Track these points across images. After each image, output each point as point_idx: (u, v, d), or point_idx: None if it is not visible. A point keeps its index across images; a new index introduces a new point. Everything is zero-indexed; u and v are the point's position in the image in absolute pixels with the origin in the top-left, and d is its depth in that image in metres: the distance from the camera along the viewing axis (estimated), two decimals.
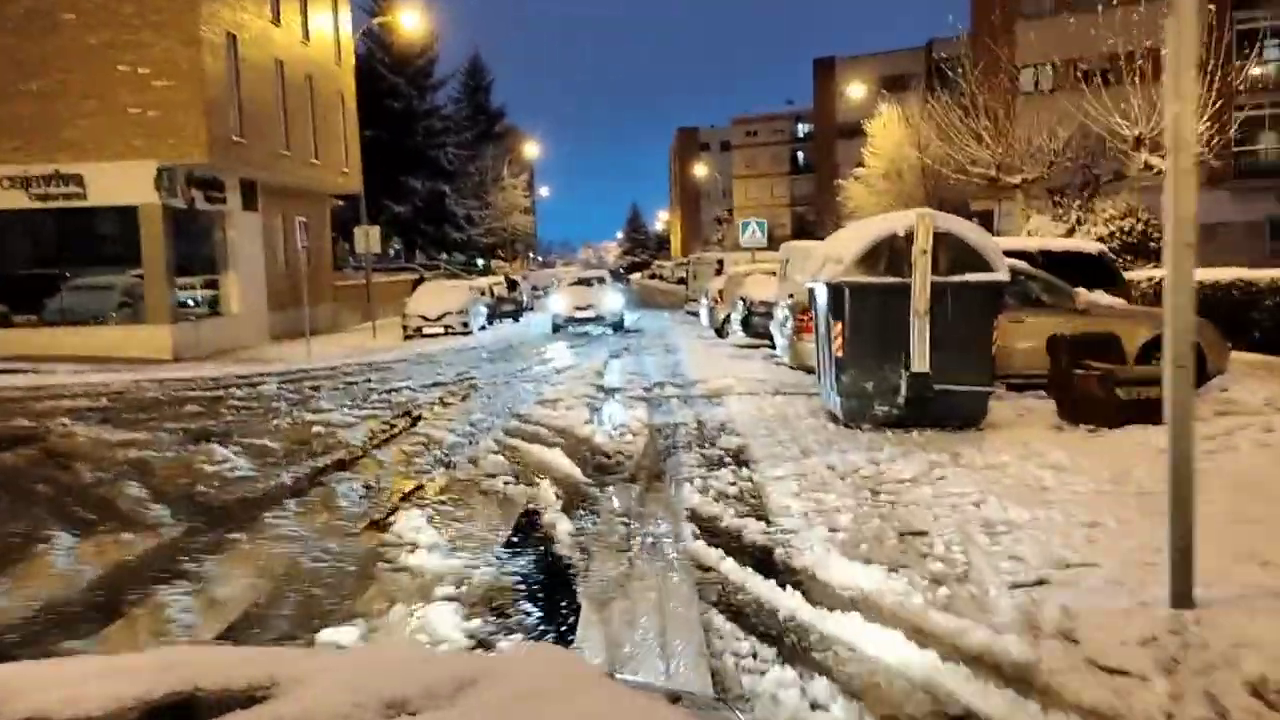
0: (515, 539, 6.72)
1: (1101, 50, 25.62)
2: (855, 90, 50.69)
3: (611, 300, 27.48)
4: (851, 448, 9.24)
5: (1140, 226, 22.31)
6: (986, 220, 37.79)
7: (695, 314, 29.96)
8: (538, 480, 8.33)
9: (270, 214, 27.96)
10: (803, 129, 79.66)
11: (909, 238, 10.14)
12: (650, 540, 6.53)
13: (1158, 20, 24.32)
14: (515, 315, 35.01)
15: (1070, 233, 23.93)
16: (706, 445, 9.76)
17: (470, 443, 10.37)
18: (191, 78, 22.17)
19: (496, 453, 9.66)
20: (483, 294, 31.56)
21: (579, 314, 26.92)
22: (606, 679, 1.56)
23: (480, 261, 63.59)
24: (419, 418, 12.33)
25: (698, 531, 6.59)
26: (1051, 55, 35.11)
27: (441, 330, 27.34)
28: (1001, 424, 10.38)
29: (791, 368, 15.54)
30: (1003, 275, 10.29)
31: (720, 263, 28.54)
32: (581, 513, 7.30)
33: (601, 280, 29.73)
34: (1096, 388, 10.29)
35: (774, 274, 22.73)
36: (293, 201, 29.70)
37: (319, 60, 30.13)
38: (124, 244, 22.94)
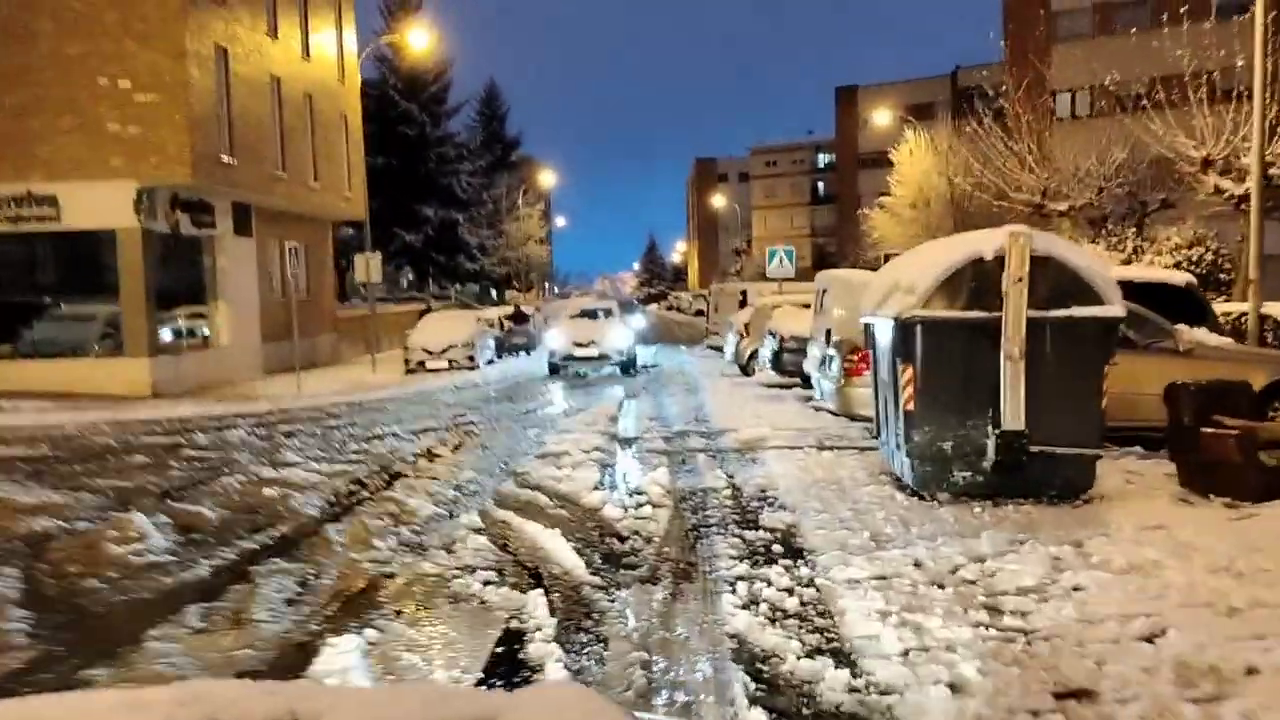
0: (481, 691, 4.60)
1: (1152, 72, 23.71)
2: (881, 117, 48.80)
3: (619, 335, 23.11)
4: (937, 531, 7.09)
5: (1210, 256, 20.14)
6: None
7: (717, 348, 27.90)
8: (527, 580, 6.23)
9: (266, 240, 26.10)
10: (824, 159, 77.72)
11: (999, 262, 8.04)
12: (682, 700, 4.39)
13: (1223, 36, 22.40)
14: (526, 349, 33.01)
15: (1126, 263, 21.83)
16: (746, 524, 7.62)
17: (450, 515, 8.27)
18: (176, 92, 20.36)
19: (481, 531, 7.55)
20: (491, 325, 29.60)
21: (580, 352, 22.60)
22: (625, 714, 1.59)
23: (494, 292, 61.83)
24: (397, 475, 10.25)
25: (751, 685, 4.45)
26: (1092, 78, 33.03)
27: (445, 365, 25.33)
28: (1112, 494, 8.22)
29: (833, 413, 13.43)
30: (1117, 310, 8.15)
31: (744, 294, 26.51)
32: (582, 640, 5.17)
33: (609, 312, 25.10)
34: (1234, 451, 8.12)
35: (806, 306, 20.66)
36: (291, 227, 27.84)
37: (320, 78, 28.39)
38: (102, 271, 21.08)
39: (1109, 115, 30.36)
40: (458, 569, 6.52)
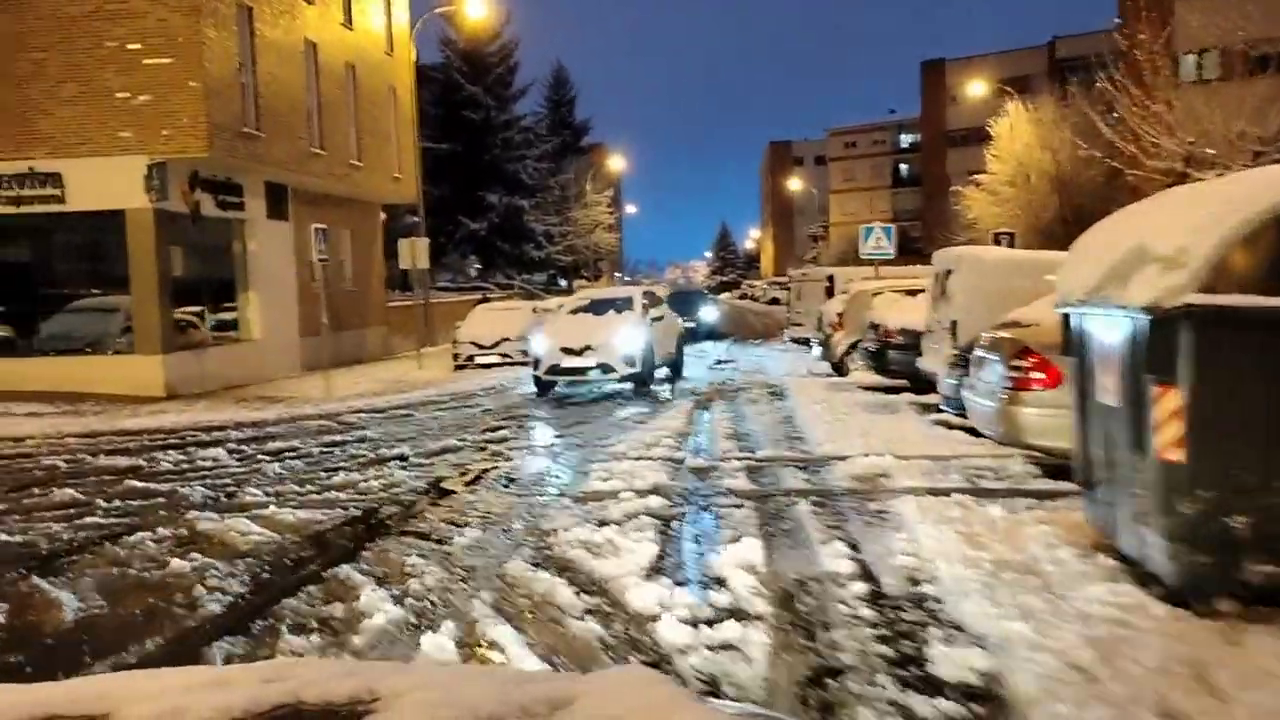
0: None
1: None
2: (975, 89, 44.53)
3: (627, 338, 16.08)
4: (1270, 699, 3.73)
5: None
6: None
7: (800, 341, 24.44)
8: None
9: (305, 224, 23.24)
10: (907, 139, 73.08)
11: None
12: None
13: None
14: None
15: None
16: (909, 674, 4.28)
17: (416, 625, 5.10)
18: (189, 54, 17.61)
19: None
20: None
21: (569, 362, 15.86)
22: (699, 702, 1.55)
23: (562, 281, 58.96)
24: (375, 531, 7.15)
25: None
26: (1226, 37, 28.51)
27: (497, 359, 22.35)
28: None
29: (968, 431, 9.97)
30: None
31: (831, 280, 22.92)
32: None
33: (627, 304, 17.46)
34: None
35: (911, 293, 17.14)
36: (334, 211, 25.07)
37: (365, 48, 25.55)
38: (115, 258, 18.49)
39: (1244, 77, 26.10)
40: None
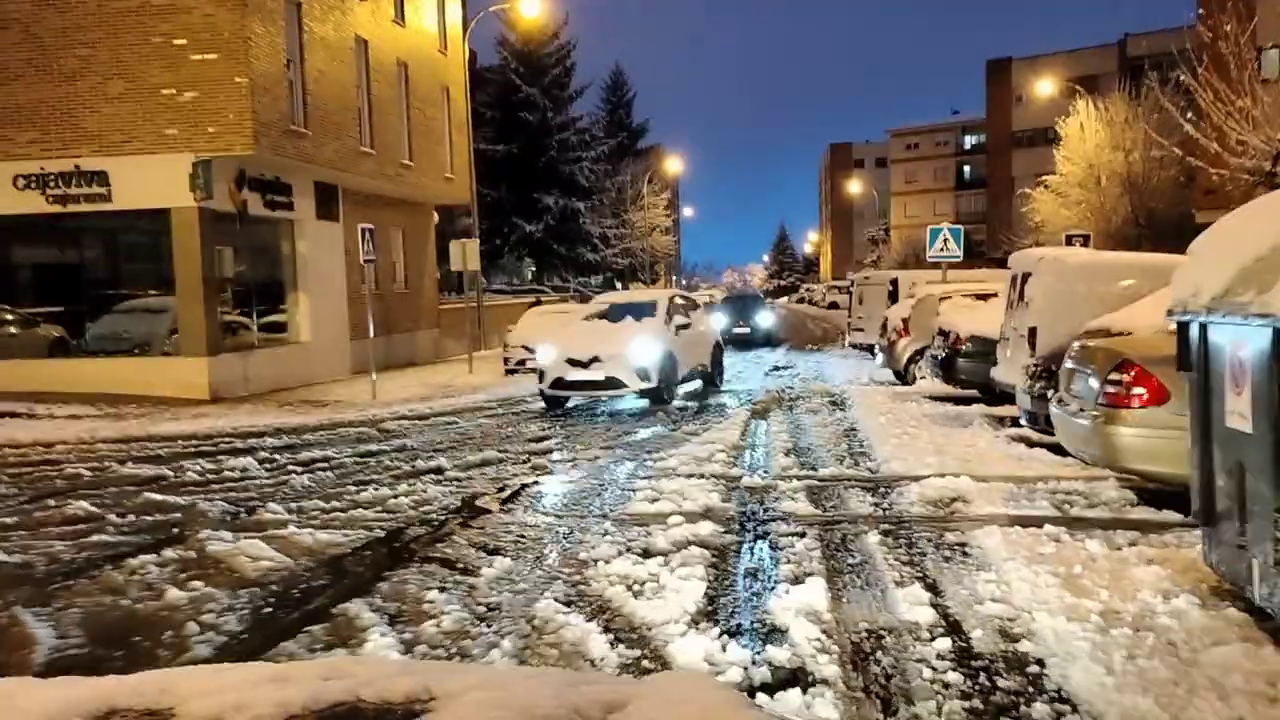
0: None
1: None
2: (1044, 87, 43.00)
3: (642, 349, 14.38)
4: None
5: None
6: None
7: (861, 348, 23.47)
8: None
9: (355, 225, 22.94)
10: (970, 140, 71.15)
11: None
12: None
13: None
14: None
15: None
16: None
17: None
18: (236, 50, 17.26)
19: None
20: None
21: (574, 375, 14.32)
22: (753, 708, 1.62)
23: (618, 284, 58.41)
24: (398, 557, 6.47)
25: None
26: None
27: None
28: None
29: (1047, 447, 9.05)
30: None
31: (894, 284, 21.93)
32: None
33: (649, 309, 15.63)
34: None
35: (981, 297, 16.16)
36: (385, 211, 24.73)
37: (418, 46, 25.15)
38: (162, 258, 18.24)
39: None
40: None
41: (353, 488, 8.92)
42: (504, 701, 1.40)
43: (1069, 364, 8.10)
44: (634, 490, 8.33)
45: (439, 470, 9.68)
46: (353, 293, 22.40)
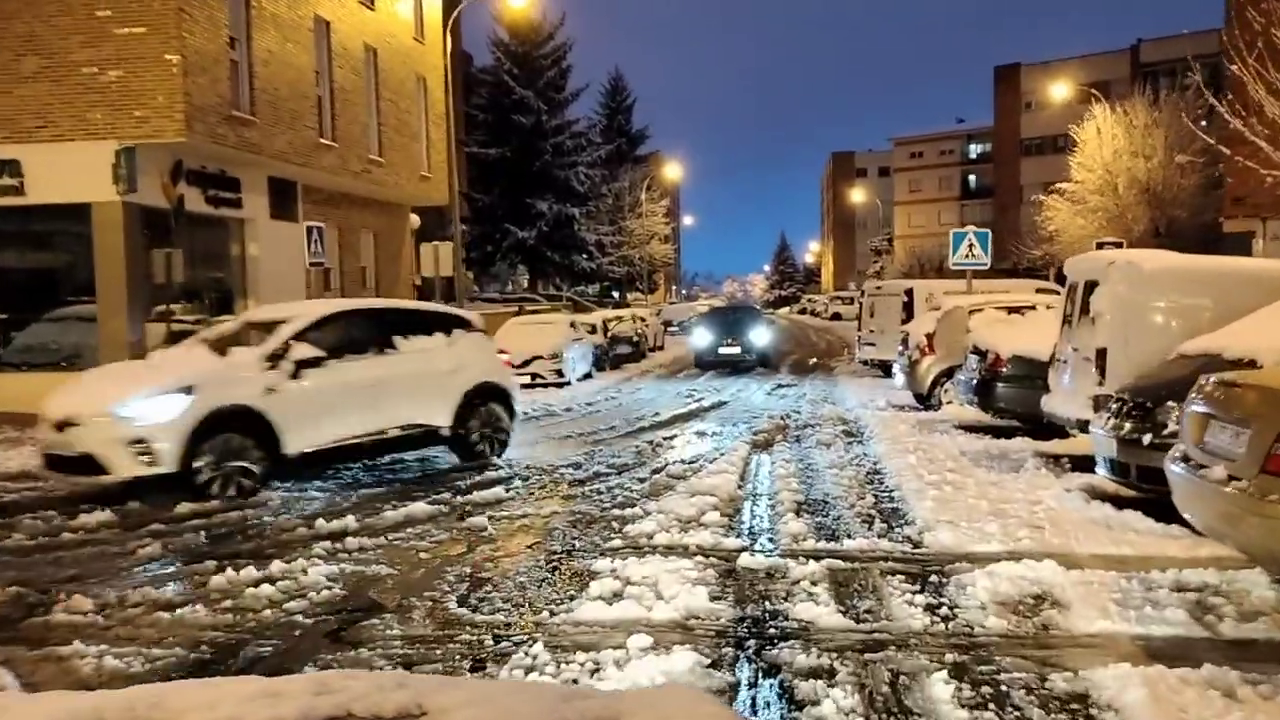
0: None
1: None
2: (1058, 91, 40.70)
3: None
4: None
5: None
6: (1242, 247, 27.48)
7: (873, 364, 21.06)
8: None
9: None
10: (976, 149, 68.67)
11: None
12: None
13: None
14: (635, 358, 26.81)
15: None
16: None
17: None
18: (166, 23, 14.91)
19: None
20: (592, 332, 23.50)
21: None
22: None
23: (615, 293, 56.01)
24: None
25: None
26: None
27: (528, 379, 19.33)
28: None
29: (1163, 515, 6.66)
30: None
31: (909, 294, 19.53)
32: None
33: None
34: None
35: (1014, 310, 13.81)
36: (354, 212, 22.41)
37: (390, 32, 22.81)
38: (85, 261, 15.88)
39: None
40: None
41: (211, 563, 6.51)
42: (494, 716, 1.36)
43: (1199, 407, 5.69)
44: (588, 577, 5.92)
45: (344, 539, 7.27)
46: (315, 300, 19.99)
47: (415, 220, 26.47)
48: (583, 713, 1.40)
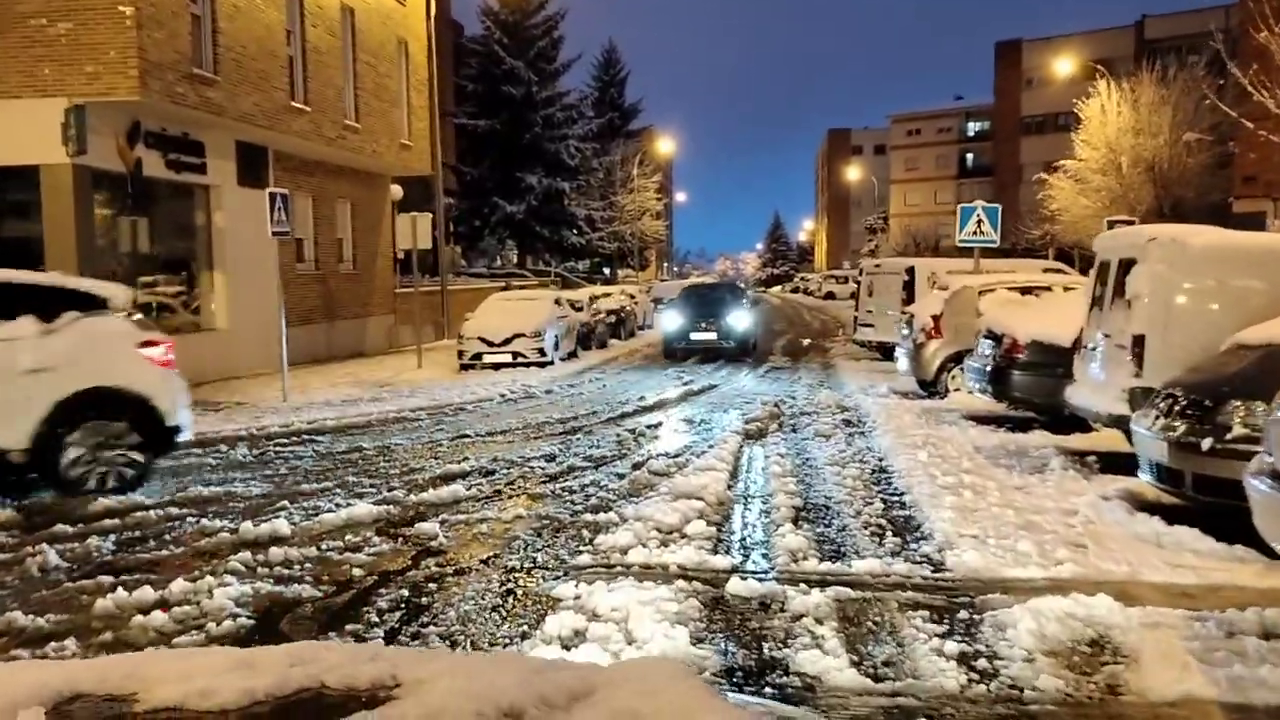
0: None
1: None
2: (1063, 67, 39.51)
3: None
4: None
5: None
6: (1253, 228, 26.45)
7: (870, 345, 20.03)
8: None
9: (293, 195, 19.45)
10: (974, 127, 67.33)
11: None
12: None
13: None
14: (622, 336, 25.73)
15: None
16: None
17: None
18: None
19: None
20: (578, 309, 22.40)
21: None
22: (722, 698, 1.50)
23: (606, 270, 54.83)
24: None
25: None
26: None
27: (509, 358, 18.30)
28: None
29: (1226, 531, 5.66)
30: None
31: (910, 272, 18.42)
32: None
33: None
34: None
35: (1025, 291, 12.78)
36: (329, 180, 21.22)
37: None
38: (33, 226, 14.72)
39: None
40: None
41: (107, 579, 5.46)
42: (469, 689, 1.34)
43: None
44: (549, 606, 4.89)
45: (283, 540, 6.22)
46: (286, 273, 18.83)
47: (397, 191, 25.26)
48: (557, 685, 1.39)
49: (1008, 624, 4.53)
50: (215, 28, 15.82)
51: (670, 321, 21.13)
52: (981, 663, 4.13)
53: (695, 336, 20.38)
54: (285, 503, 7.36)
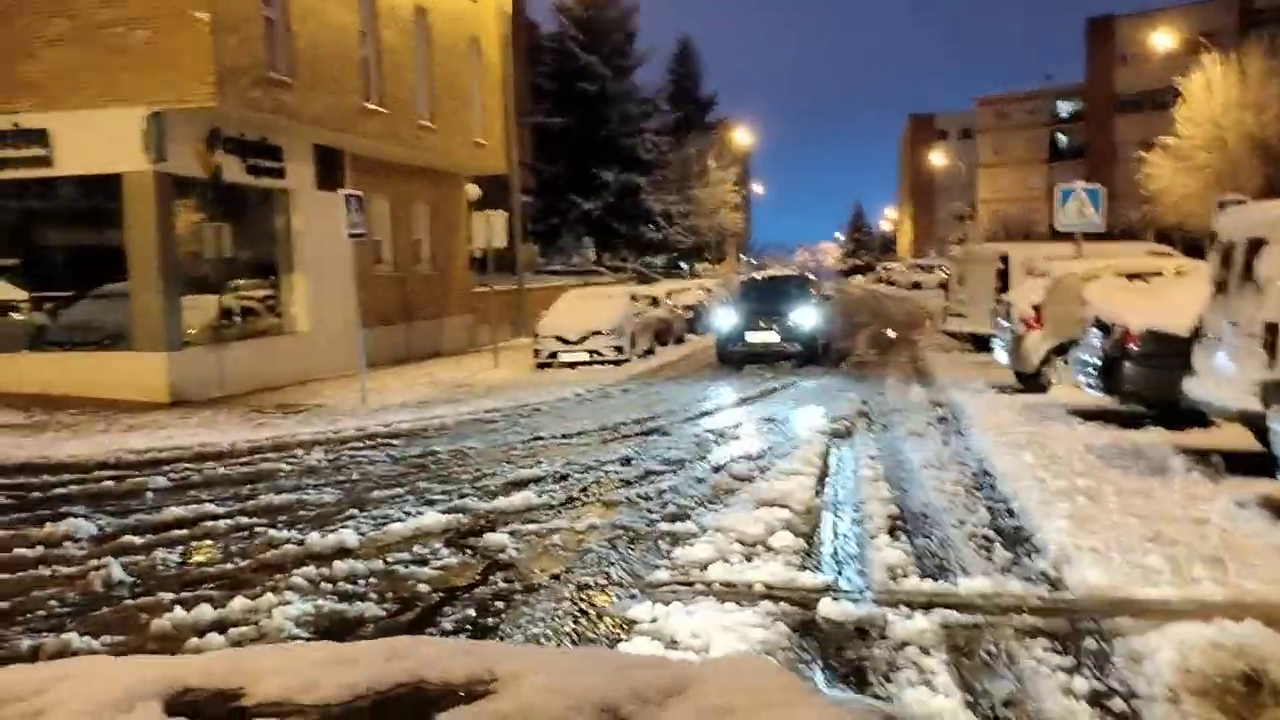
0: None
1: None
2: (1162, 41, 37.67)
3: None
4: None
5: None
6: None
7: (961, 336, 19.18)
8: None
9: (370, 197, 19.47)
10: (1065, 108, 64.83)
11: None
12: None
13: None
14: (700, 331, 25.26)
15: None
16: None
17: None
18: None
19: None
20: (655, 305, 22.02)
21: None
22: (817, 694, 1.51)
23: (683, 264, 54.35)
24: None
25: None
26: None
27: (585, 357, 18.01)
28: None
29: None
30: None
31: (1005, 260, 17.53)
32: None
33: None
34: None
35: (1135, 277, 11.95)
36: (405, 182, 21.23)
37: None
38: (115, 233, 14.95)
39: None
40: None
41: (167, 596, 5.27)
42: (563, 684, 1.36)
43: None
44: (624, 629, 4.50)
45: (352, 552, 5.98)
46: (364, 275, 18.86)
47: (474, 190, 25.21)
48: (650, 680, 1.40)
49: (1144, 654, 3.98)
50: (290, 32, 15.87)
51: (724, 321, 18.24)
52: (1117, 703, 3.61)
53: (752, 338, 17.44)
54: (354, 511, 7.14)
